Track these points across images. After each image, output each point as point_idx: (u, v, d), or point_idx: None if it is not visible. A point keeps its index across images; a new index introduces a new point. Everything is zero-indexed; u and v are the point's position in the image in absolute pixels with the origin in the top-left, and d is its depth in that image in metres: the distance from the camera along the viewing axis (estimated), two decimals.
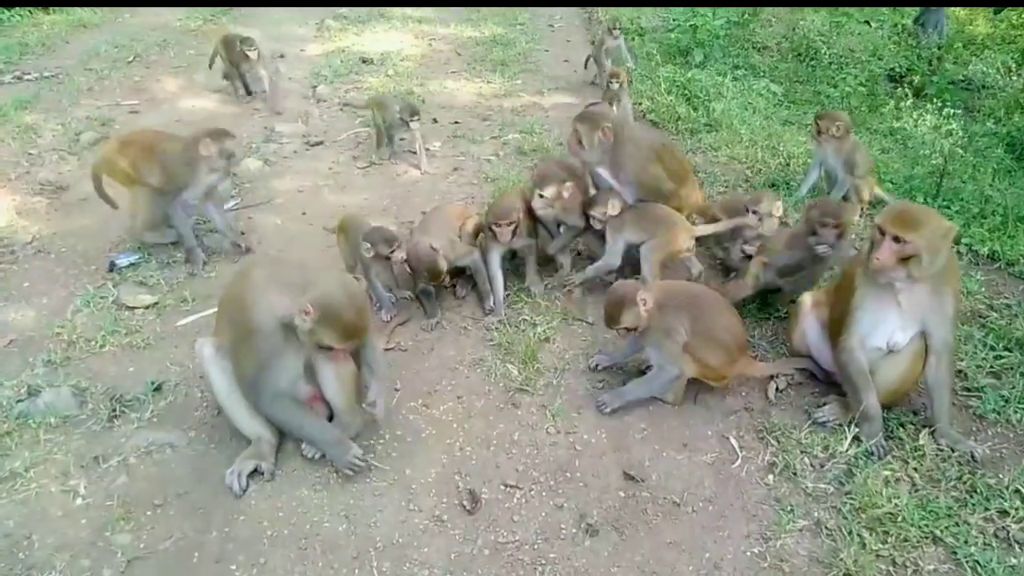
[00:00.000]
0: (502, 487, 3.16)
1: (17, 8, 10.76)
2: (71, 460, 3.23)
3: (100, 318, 4.17)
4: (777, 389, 3.71)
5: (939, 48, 9.04)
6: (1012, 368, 3.81)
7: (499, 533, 2.96)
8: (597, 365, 3.83)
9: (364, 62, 8.93)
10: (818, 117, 5.33)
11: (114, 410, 3.50)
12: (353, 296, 3.02)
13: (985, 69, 7.34)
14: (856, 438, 3.31)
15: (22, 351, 3.92)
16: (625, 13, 10.29)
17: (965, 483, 3.13)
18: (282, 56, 9.49)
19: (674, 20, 9.22)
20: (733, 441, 3.41)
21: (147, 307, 4.29)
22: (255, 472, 3.15)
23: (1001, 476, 3.15)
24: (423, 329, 4.15)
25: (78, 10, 11.55)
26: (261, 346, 3.03)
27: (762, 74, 8.17)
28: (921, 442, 3.31)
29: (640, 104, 7.43)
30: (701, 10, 8.89)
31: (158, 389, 3.66)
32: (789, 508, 3.05)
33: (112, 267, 4.67)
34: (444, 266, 4.09)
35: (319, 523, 2.98)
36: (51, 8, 11.39)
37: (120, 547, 2.86)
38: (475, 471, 3.24)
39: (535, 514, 3.05)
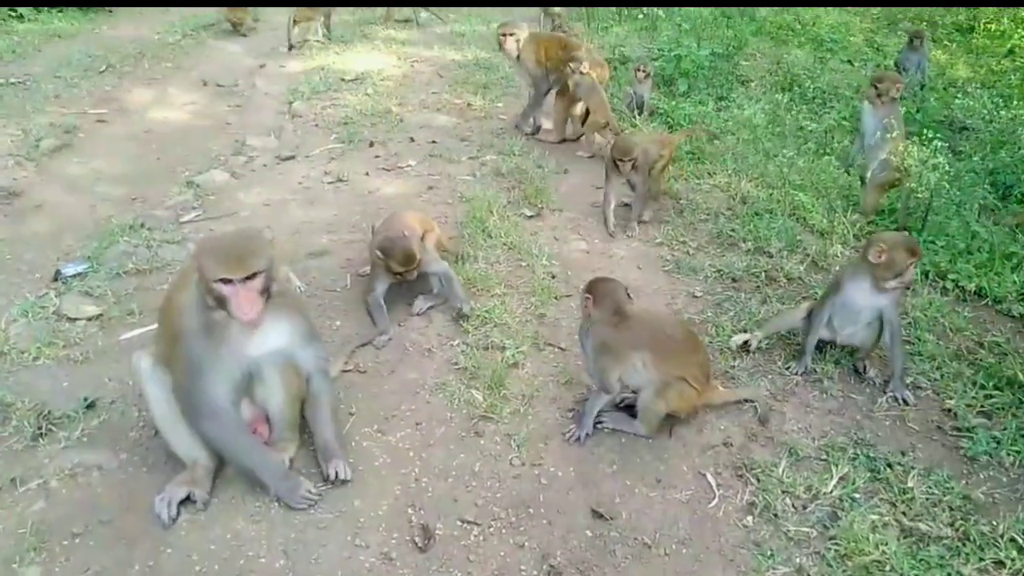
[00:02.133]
0: (459, 523, 2.90)
1: None
2: None
3: (37, 328, 3.88)
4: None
5: (921, 88, 9.04)
6: (1003, 408, 3.61)
7: (452, 574, 2.69)
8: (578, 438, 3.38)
9: (343, 80, 8.77)
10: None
11: (40, 428, 3.21)
12: (241, 231, 2.74)
13: (971, 104, 7.29)
14: (841, 479, 3.09)
15: None
16: (609, 40, 10.23)
17: (957, 530, 2.91)
18: (263, 66, 9.35)
19: (659, 50, 9.15)
20: (710, 478, 3.17)
21: (90, 319, 4.01)
22: (187, 500, 2.86)
23: (995, 523, 2.93)
24: (375, 346, 3.89)
25: (55, 20, 11.39)
26: (190, 348, 2.75)
27: (744, 106, 8.09)
28: (910, 484, 3.10)
29: (623, 131, 7.30)
30: (685, 40, 8.84)
31: (91, 406, 3.38)
32: (769, 553, 2.82)
33: (58, 276, 4.40)
34: (418, 254, 3.95)
35: (254, 558, 2.70)
36: (26, 17, 11.20)
37: None
38: (430, 505, 2.98)
39: (493, 553, 2.78)
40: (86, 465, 3.05)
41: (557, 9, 9.80)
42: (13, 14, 11.08)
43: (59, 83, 8.17)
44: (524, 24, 7.13)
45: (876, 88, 5.66)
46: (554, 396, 3.63)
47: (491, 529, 2.89)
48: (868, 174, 5.66)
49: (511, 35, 6.77)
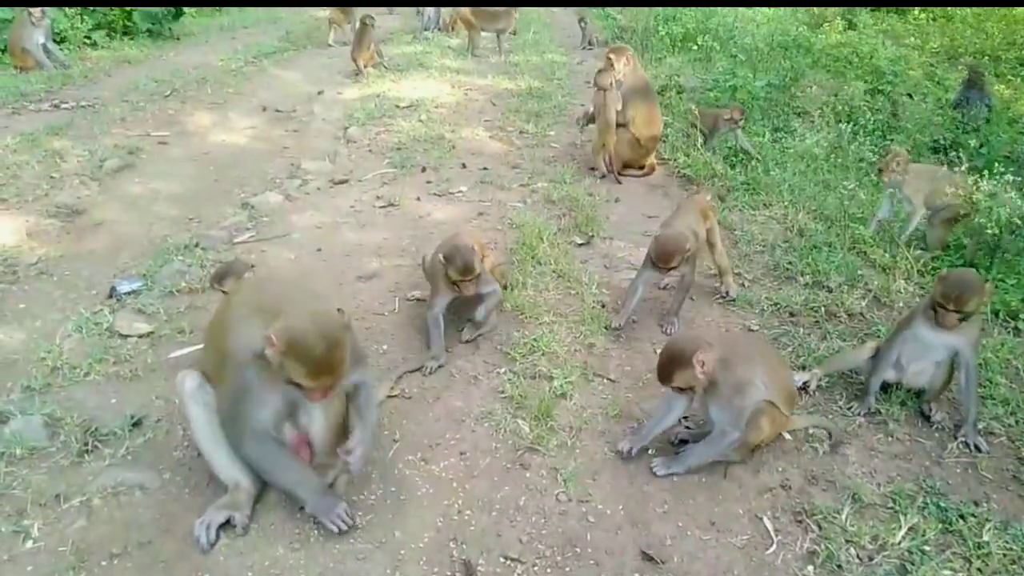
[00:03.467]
0: (502, 560, 2.79)
1: (67, 44, 11.01)
2: (29, 497, 2.93)
3: (90, 344, 3.93)
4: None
5: (987, 122, 8.75)
6: None
7: None
8: (629, 449, 3.31)
9: (398, 107, 8.87)
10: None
11: (86, 444, 3.21)
12: (325, 327, 2.59)
13: None
14: (911, 529, 2.90)
15: (1, 375, 3.67)
16: (663, 71, 10.17)
17: None
18: (320, 93, 9.53)
19: (713, 80, 9.06)
20: (767, 523, 3.00)
21: (141, 336, 4.05)
22: (227, 524, 2.81)
23: None
24: (424, 373, 3.83)
25: (124, 46, 11.82)
26: (237, 377, 2.72)
27: (802, 138, 7.91)
28: (986, 538, 2.89)
29: (676, 160, 7.21)
30: (741, 71, 8.73)
31: (137, 424, 3.37)
32: None
33: (113, 292, 4.46)
34: (479, 267, 3.88)
35: None
36: (99, 44, 11.65)
37: None
38: (473, 539, 2.88)
39: None
40: (129, 484, 3.03)
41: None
42: (88, 41, 11.56)
43: (126, 107, 8.43)
44: (631, 52, 7.15)
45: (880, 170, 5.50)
46: (603, 429, 3.51)
47: (535, 568, 2.77)
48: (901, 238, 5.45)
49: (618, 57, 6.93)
